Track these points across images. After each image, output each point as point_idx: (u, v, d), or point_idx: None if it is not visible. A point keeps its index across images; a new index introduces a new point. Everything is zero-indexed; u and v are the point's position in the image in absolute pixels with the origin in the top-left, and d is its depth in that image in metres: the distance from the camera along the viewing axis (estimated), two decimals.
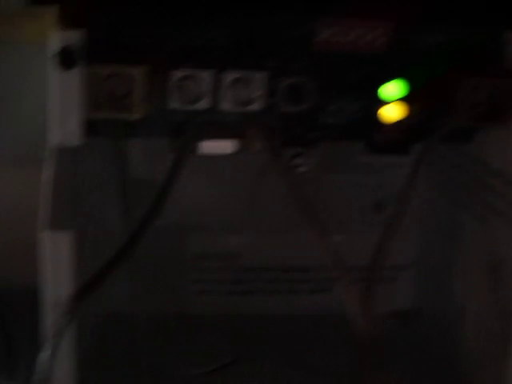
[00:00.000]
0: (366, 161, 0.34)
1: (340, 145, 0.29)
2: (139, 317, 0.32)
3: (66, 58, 0.22)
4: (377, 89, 0.25)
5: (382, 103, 0.24)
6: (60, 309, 0.22)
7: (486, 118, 0.25)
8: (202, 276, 0.35)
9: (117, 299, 0.30)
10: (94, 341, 0.30)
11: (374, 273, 0.25)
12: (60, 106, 0.23)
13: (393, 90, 0.24)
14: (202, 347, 0.33)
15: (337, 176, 0.35)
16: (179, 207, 0.34)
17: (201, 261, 0.34)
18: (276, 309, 0.34)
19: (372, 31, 0.24)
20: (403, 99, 0.24)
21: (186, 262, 0.34)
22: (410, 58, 0.25)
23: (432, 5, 0.23)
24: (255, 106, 0.24)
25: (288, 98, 0.25)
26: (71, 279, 0.23)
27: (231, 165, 0.31)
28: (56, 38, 0.22)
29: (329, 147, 0.28)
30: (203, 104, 0.24)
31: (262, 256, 0.34)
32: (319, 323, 0.34)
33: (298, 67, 0.25)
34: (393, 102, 0.24)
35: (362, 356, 0.24)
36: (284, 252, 0.34)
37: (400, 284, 0.36)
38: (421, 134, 0.26)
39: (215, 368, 0.32)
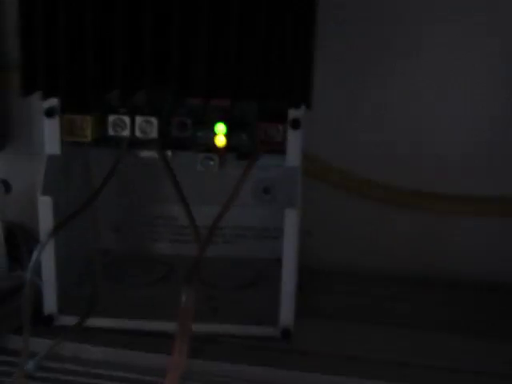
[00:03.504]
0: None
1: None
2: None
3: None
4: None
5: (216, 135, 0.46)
6: (46, 235, 0.45)
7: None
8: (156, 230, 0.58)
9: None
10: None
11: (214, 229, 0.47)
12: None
13: (221, 129, 0.46)
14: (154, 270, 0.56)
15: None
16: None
17: (156, 220, 0.58)
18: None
19: None
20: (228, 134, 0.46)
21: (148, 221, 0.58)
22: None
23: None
24: (153, 134, 0.47)
25: (176, 129, 0.47)
26: (51, 220, 0.47)
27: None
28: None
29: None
30: (125, 133, 0.47)
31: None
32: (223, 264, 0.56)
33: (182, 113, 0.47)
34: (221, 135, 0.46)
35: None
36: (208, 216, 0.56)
37: None
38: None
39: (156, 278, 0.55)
